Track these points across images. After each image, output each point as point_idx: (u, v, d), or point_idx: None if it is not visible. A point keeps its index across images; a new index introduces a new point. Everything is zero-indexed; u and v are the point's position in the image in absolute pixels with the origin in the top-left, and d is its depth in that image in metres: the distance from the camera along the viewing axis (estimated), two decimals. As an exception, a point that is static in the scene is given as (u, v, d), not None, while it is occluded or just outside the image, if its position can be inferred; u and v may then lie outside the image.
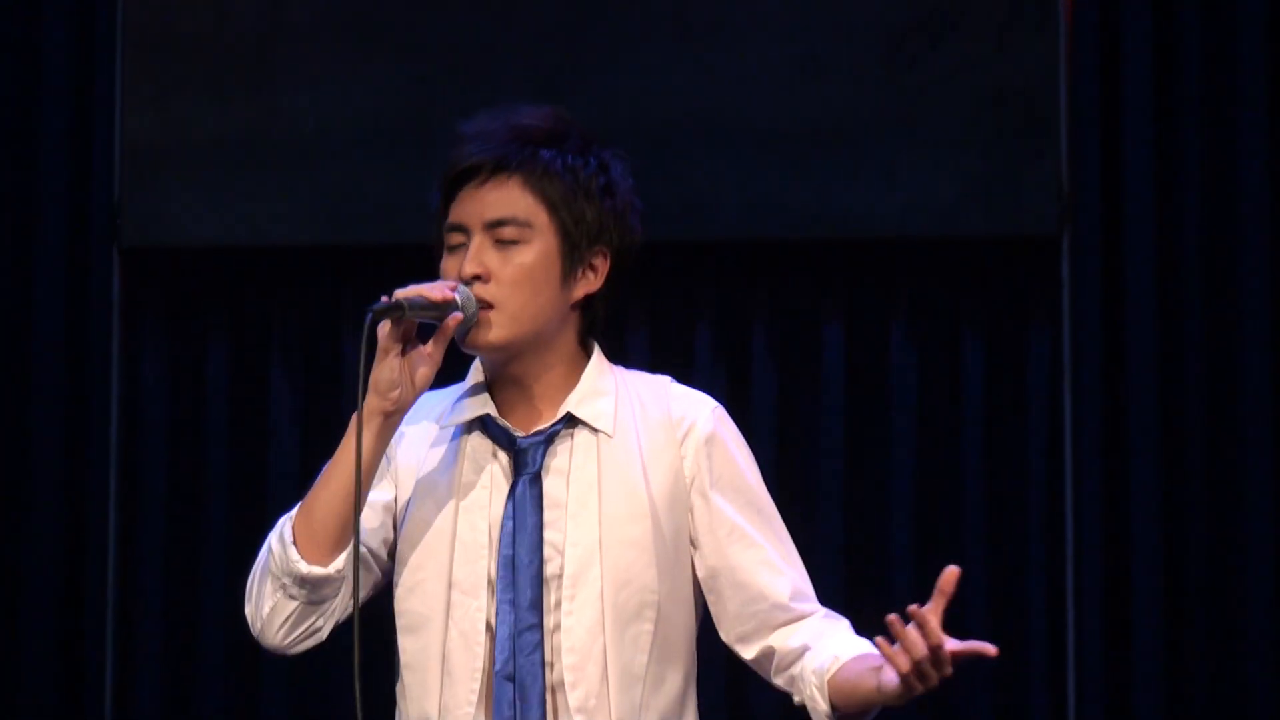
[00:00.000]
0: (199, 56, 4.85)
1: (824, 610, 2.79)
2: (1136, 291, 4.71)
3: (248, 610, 2.70)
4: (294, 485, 4.84)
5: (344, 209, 4.82)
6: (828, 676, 2.68)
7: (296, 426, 4.87)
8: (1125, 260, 4.73)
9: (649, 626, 2.68)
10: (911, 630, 2.54)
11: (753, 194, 4.78)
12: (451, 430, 2.74)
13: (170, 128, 4.84)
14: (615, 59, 4.80)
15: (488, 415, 2.73)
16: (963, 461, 4.79)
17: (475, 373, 2.79)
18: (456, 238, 2.72)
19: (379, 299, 2.62)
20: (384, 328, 2.61)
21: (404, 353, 2.63)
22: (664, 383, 2.82)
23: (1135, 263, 4.72)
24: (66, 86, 4.87)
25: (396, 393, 2.62)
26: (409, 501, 2.73)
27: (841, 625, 2.77)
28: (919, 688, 2.56)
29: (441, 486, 2.71)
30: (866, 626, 2.86)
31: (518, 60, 4.78)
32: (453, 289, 2.66)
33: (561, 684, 2.63)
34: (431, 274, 2.75)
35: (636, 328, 4.83)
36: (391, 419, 2.64)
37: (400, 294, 2.62)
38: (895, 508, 4.79)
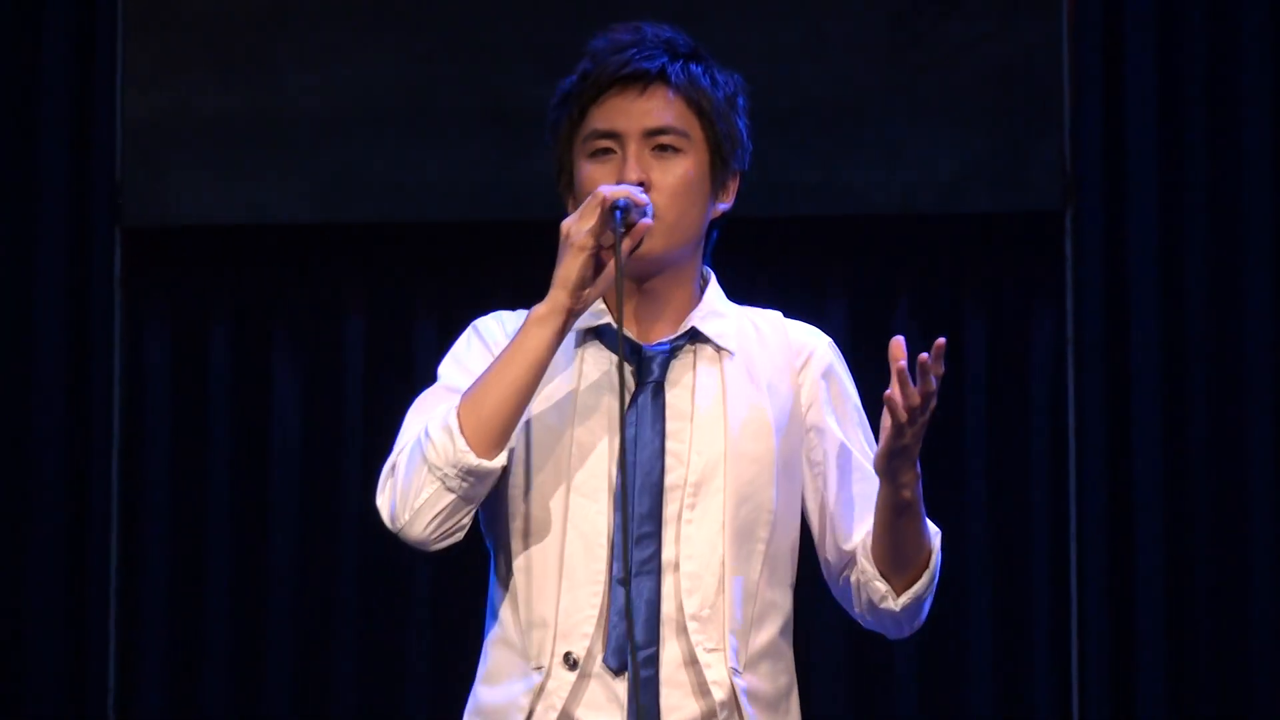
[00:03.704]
0: (201, 34, 4.84)
1: None
2: (1140, 267, 4.72)
3: (392, 504, 2.61)
4: (296, 463, 4.84)
5: (346, 187, 4.81)
6: (870, 547, 2.71)
7: (298, 405, 4.87)
8: (1129, 236, 4.73)
9: (761, 546, 2.66)
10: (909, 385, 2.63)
11: (756, 171, 4.71)
12: (570, 338, 2.69)
13: (172, 106, 4.83)
14: (618, 37, 4.79)
15: (607, 324, 2.71)
16: (966, 438, 4.79)
17: None
18: (603, 143, 2.70)
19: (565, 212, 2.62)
20: (593, 226, 2.58)
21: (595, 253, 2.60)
22: (777, 314, 2.84)
23: (1139, 238, 4.72)
24: (68, 64, 4.86)
25: (585, 291, 2.60)
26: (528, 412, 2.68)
27: None
28: (905, 437, 2.64)
29: (560, 393, 2.68)
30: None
31: (521, 38, 4.77)
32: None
33: (676, 591, 2.61)
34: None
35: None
36: (572, 319, 2.61)
37: (613, 193, 2.59)
38: (899, 484, 4.78)
